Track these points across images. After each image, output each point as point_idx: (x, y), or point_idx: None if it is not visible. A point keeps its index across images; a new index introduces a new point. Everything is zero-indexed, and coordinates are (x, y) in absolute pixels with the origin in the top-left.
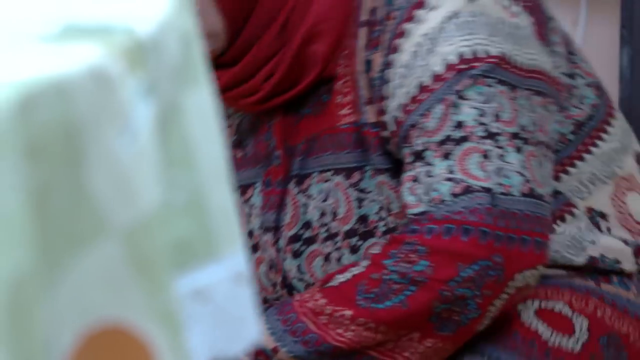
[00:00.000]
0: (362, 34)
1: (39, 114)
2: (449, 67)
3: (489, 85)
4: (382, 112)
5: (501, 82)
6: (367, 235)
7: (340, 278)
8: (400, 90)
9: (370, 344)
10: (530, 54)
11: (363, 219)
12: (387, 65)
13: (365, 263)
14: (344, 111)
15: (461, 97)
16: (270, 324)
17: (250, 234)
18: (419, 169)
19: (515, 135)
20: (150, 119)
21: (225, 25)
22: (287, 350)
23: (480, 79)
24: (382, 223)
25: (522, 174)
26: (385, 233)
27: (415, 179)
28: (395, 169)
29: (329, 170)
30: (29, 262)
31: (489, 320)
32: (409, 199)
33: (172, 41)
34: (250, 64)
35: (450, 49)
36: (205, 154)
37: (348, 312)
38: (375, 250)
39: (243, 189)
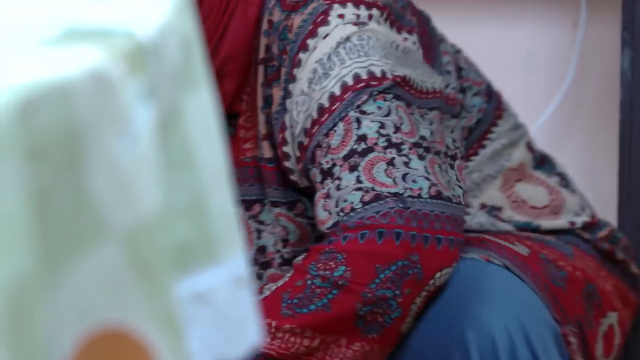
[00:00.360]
0: (260, 71)
1: (39, 117)
2: (346, 88)
3: (387, 100)
4: (283, 143)
5: (397, 97)
6: (266, 265)
7: (266, 292)
8: (301, 116)
9: (299, 351)
10: (422, 75)
11: (262, 249)
12: (287, 95)
13: (289, 274)
14: (247, 145)
15: (361, 112)
16: None
17: None
18: (329, 186)
19: (416, 144)
20: (151, 122)
21: None
22: None
23: (378, 94)
24: (277, 255)
25: (427, 179)
26: (281, 265)
27: (327, 196)
28: (291, 203)
29: None
30: (30, 265)
31: (412, 319)
32: (322, 215)
33: (173, 44)
34: None
35: (345, 72)
36: (206, 157)
37: (273, 322)
38: (298, 261)
39: None
